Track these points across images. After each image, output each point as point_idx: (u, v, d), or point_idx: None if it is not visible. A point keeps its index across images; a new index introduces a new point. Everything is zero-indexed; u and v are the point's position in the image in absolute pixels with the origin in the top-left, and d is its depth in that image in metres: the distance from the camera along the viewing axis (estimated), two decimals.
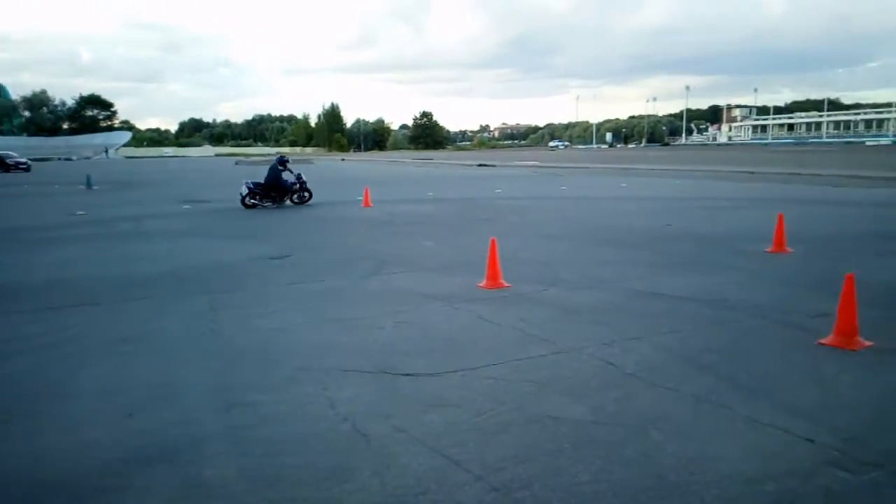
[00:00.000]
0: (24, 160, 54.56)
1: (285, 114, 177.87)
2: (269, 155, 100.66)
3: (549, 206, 18.34)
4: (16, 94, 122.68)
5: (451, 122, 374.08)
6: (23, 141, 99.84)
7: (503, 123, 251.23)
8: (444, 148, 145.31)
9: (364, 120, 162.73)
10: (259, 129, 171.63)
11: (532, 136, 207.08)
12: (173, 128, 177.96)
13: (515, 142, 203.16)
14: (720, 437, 3.76)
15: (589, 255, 10.10)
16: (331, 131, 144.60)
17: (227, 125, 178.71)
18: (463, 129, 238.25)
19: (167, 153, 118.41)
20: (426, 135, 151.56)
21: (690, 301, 6.98)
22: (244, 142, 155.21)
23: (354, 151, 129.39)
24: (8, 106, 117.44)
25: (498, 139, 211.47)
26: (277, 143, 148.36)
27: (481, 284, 7.83)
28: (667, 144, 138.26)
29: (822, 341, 5.40)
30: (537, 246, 10.97)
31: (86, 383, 4.85)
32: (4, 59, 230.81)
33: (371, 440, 3.80)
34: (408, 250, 10.85)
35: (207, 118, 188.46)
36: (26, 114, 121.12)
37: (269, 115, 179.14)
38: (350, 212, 17.46)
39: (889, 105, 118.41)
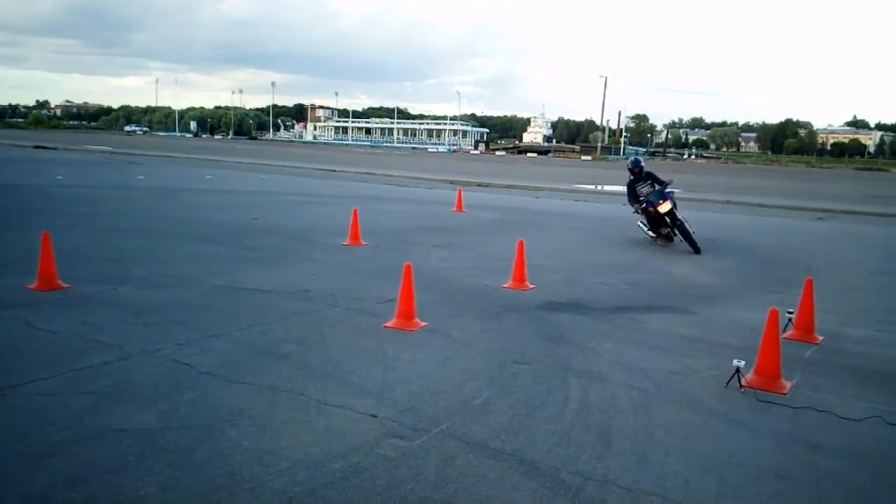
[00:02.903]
0: None
1: None
2: None
3: (122, 196, 16.74)
4: None
5: None
6: None
7: (67, 101, 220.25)
8: None
9: None
10: None
11: (104, 118, 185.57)
12: None
13: (83, 123, 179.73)
14: (294, 425, 3.87)
15: (168, 250, 9.49)
16: None
17: None
18: (14, 103, 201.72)
19: None
20: None
21: (272, 294, 7.09)
22: None
23: None
24: None
25: (61, 118, 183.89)
26: None
27: (32, 286, 6.67)
28: (255, 138, 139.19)
29: (387, 325, 6.02)
30: (106, 241, 9.87)
31: None
32: None
33: None
34: None
35: None
36: None
37: None
38: None
39: (444, 118, 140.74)
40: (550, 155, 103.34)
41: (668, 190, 11.73)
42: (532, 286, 7.87)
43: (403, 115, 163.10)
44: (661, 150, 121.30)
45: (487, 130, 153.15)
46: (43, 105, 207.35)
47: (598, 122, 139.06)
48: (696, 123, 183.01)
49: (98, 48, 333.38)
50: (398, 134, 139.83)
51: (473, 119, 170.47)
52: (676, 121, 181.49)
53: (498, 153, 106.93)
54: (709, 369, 5.23)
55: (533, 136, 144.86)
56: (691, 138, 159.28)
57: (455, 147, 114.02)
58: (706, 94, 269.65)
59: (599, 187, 30.82)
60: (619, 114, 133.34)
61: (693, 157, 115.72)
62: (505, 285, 7.90)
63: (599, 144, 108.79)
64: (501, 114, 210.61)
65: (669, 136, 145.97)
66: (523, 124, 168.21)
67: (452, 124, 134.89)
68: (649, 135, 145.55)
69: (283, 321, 6.10)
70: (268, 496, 3.09)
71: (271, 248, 10.06)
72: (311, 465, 3.38)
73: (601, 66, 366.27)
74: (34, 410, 3.88)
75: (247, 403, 4.15)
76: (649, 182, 11.99)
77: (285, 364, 4.93)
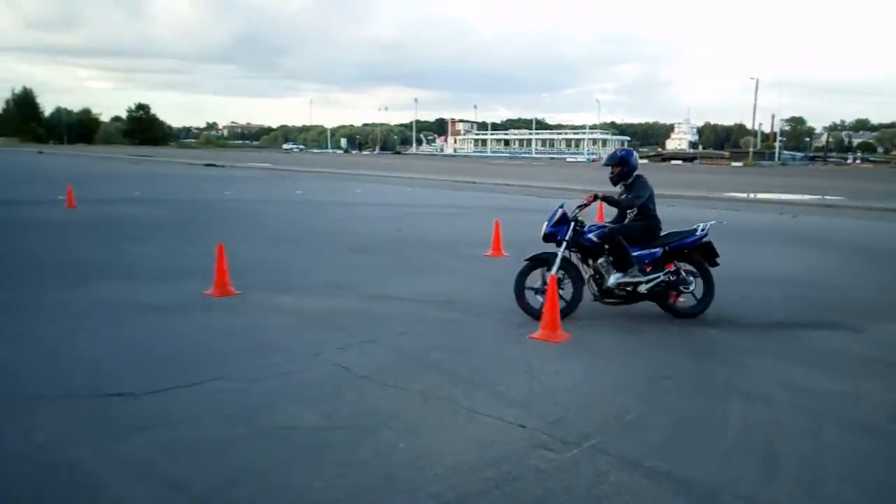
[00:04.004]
0: None
1: None
2: None
3: (283, 210, 17.99)
4: None
5: (173, 117, 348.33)
6: None
7: (233, 122, 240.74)
8: (165, 145, 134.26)
9: (66, 109, 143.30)
10: None
11: (265, 136, 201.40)
12: None
13: (247, 142, 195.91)
14: (445, 431, 3.99)
15: (325, 259, 10.11)
16: (23, 120, 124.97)
17: None
18: (188, 125, 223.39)
19: None
20: (143, 129, 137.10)
21: (420, 302, 7.34)
22: None
23: (55, 144, 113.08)
24: None
25: (227, 138, 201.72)
26: None
27: (208, 292, 7.37)
28: (399, 153, 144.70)
29: (533, 335, 6.04)
30: (270, 251, 10.68)
31: None
32: None
33: (73, 472, 3.32)
34: (122, 257, 9.82)
35: None
36: None
37: None
38: (50, 213, 15.28)
39: (583, 127, 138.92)
40: (697, 162, 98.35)
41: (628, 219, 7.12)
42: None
43: (541, 125, 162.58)
44: (820, 154, 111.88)
45: (628, 138, 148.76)
46: (212, 126, 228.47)
47: (748, 126, 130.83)
48: (861, 125, 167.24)
49: (256, 72, 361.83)
50: (536, 145, 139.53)
51: (613, 127, 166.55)
52: (838, 123, 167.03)
53: (640, 161, 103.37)
54: (885, 391, 4.77)
55: (677, 142, 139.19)
56: (855, 141, 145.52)
57: (594, 156, 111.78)
58: (871, 94, 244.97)
59: (752, 195, 28.94)
60: (773, 117, 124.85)
61: (858, 161, 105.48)
62: None
63: (751, 150, 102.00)
64: (643, 120, 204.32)
65: (830, 139, 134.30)
66: (666, 131, 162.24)
67: (591, 133, 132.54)
68: (807, 138, 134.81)
69: (430, 329, 6.29)
70: (423, 499, 3.21)
71: (416, 259, 10.41)
72: (462, 472, 3.47)
73: (751, 67, 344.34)
74: (214, 405, 4.29)
75: (401, 407, 4.33)
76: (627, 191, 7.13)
77: (434, 371, 5.09)
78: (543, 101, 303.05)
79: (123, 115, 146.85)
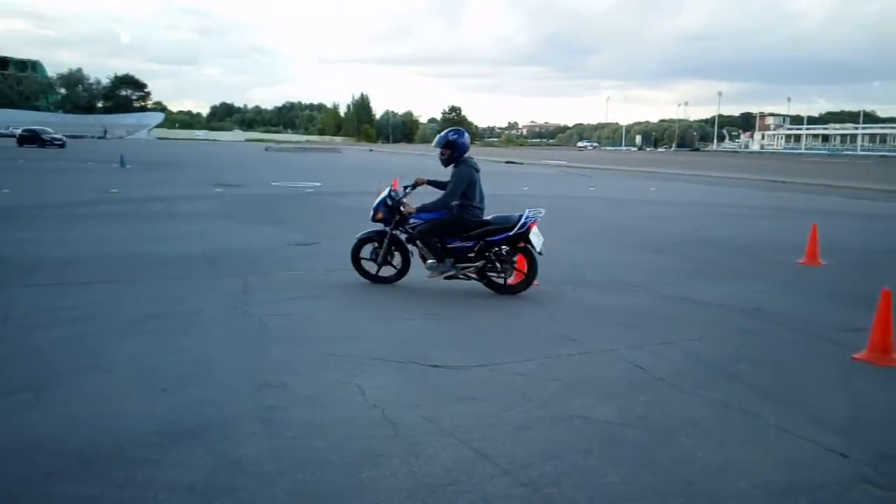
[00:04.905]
0: (59, 136, 55.86)
1: (315, 102, 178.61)
2: (298, 142, 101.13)
3: (576, 206, 18.24)
4: (52, 71, 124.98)
5: (479, 117, 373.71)
6: (58, 118, 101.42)
7: (532, 121, 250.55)
8: (472, 143, 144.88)
9: (393, 112, 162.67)
10: (289, 117, 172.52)
11: (560, 135, 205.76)
12: (205, 111, 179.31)
13: (543, 140, 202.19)
14: (750, 446, 3.73)
15: (617, 257, 10.05)
16: (359, 122, 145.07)
17: (258, 111, 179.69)
18: (491, 125, 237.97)
19: (198, 136, 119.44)
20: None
21: (720, 308, 6.91)
22: (274, 128, 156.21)
23: (382, 143, 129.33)
24: (44, 83, 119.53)
25: (526, 137, 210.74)
26: (306, 131, 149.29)
27: (511, 281, 7.83)
28: (697, 150, 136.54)
29: (857, 356, 5.32)
30: (564, 246, 10.92)
31: (118, 357, 4.95)
32: (41, 36, 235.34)
33: (399, 428, 3.83)
34: None
35: (239, 103, 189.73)
36: (62, 91, 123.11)
37: (300, 103, 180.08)
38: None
39: None
40: None
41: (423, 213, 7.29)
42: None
43: (871, 118, 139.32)
44: None
45: None
46: (513, 126, 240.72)
47: None
48: None
49: (560, 73, 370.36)
50: (863, 140, 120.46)
51: None
52: None
53: None
54: None
55: None
56: None
57: None
58: None
59: None
60: None
61: None
62: None
63: None
64: None
65: None
66: None
67: None
68: None
69: (733, 337, 5.90)
70: None
71: (716, 261, 9.80)
72: (772, 493, 3.21)
73: None
74: (513, 387, 4.57)
75: (699, 415, 4.16)
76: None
77: (737, 382, 4.77)
78: (874, 91, 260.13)
79: (438, 116, 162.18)
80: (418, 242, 7.29)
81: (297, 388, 4.41)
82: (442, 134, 7.50)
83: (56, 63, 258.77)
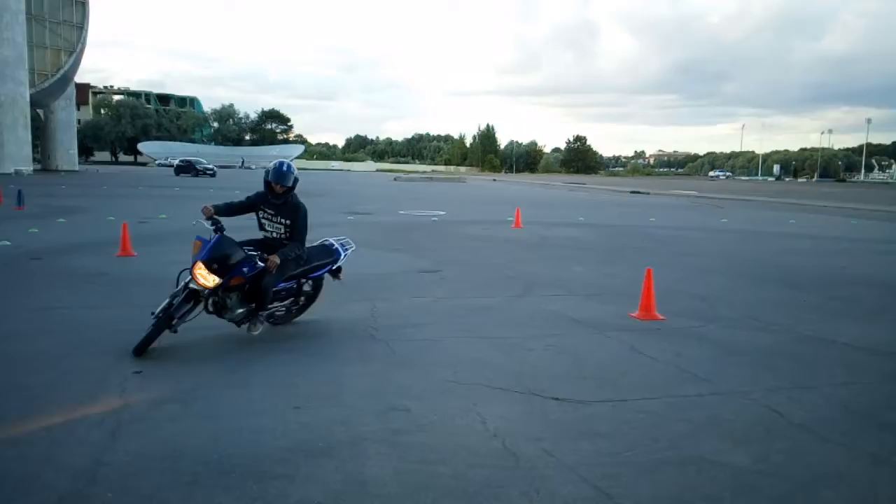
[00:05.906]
0: (210, 166, 61.08)
1: (443, 133, 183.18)
2: (424, 172, 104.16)
3: (707, 238, 17.47)
4: (207, 106, 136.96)
5: (604, 147, 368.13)
6: (211, 149, 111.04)
7: (659, 150, 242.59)
8: (596, 173, 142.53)
9: (517, 142, 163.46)
10: (418, 147, 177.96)
11: (690, 164, 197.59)
12: (340, 143, 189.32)
13: (671, 170, 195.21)
14: None
15: (751, 292, 9.51)
16: (484, 152, 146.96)
17: (389, 142, 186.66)
18: (617, 154, 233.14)
19: (334, 166, 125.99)
20: (578, 159, 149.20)
21: (868, 351, 6.38)
22: (403, 159, 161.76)
23: (506, 172, 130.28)
24: (200, 117, 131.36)
25: (653, 166, 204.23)
26: (433, 161, 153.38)
27: (633, 314, 7.63)
28: (843, 180, 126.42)
29: None
30: (694, 279, 10.51)
31: (257, 376, 5.30)
32: (201, 75, 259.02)
33: (520, 460, 3.84)
34: (557, 273, 10.81)
35: (372, 135, 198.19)
36: (215, 125, 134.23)
37: (428, 135, 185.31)
38: (500, 232, 17.67)
39: None
40: None
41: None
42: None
43: None
44: None
45: None
46: (639, 155, 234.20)
47: None
48: None
49: (692, 100, 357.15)
50: None
51: None
52: None
53: None
54: None
55: None
56: None
57: None
58: None
59: None
60: None
61: None
62: None
63: None
64: None
65: None
66: None
67: None
68: None
69: (884, 384, 5.43)
70: None
71: (864, 301, 9.05)
72: None
73: None
74: (638, 425, 4.45)
75: (844, 467, 3.86)
76: (279, 218, 6.31)
77: (888, 433, 4.39)
78: None
79: (562, 146, 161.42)
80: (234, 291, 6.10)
81: (420, 413, 4.54)
82: (285, 169, 6.26)
83: (211, 99, 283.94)
